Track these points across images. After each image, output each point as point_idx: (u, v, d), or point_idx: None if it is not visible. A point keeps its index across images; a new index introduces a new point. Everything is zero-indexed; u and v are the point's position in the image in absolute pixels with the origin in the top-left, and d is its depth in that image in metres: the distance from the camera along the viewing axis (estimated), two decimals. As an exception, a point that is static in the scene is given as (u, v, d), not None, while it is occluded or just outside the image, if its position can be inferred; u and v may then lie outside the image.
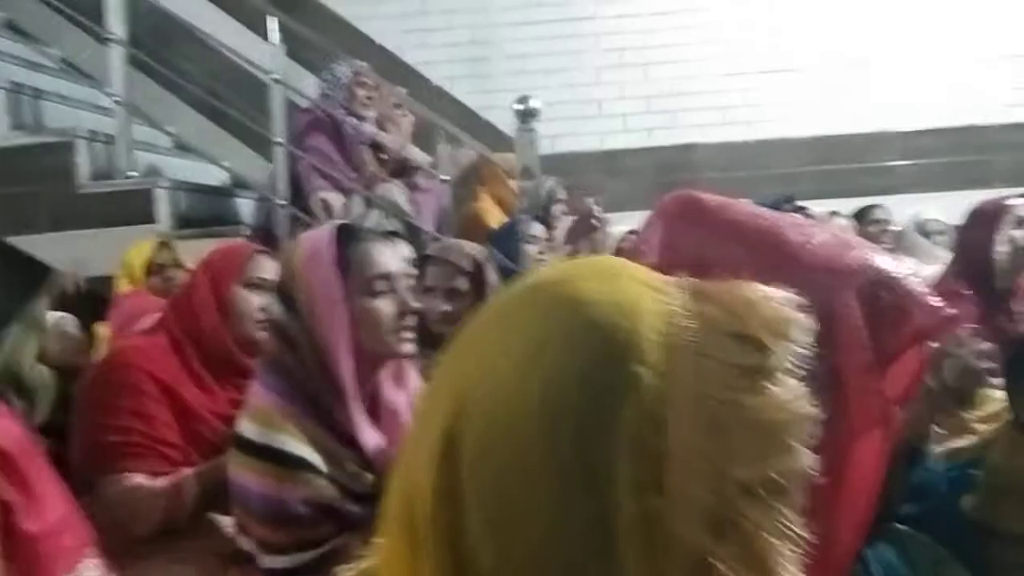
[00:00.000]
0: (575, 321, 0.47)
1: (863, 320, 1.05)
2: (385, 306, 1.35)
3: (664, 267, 0.53)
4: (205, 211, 3.19)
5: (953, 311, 1.16)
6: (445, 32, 4.16)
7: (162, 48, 3.49)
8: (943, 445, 1.96)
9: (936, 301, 1.11)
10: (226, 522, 1.48)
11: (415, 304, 1.40)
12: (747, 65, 3.74)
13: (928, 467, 1.71)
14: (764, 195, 2.46)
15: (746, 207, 1.23)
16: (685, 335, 0.47)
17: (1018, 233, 2.35)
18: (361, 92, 3.32)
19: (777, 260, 1.08)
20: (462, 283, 1.92)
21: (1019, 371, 1.60)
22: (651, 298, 0.49)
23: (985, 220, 2.39)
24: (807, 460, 0.47)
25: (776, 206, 2.18)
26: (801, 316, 0.48)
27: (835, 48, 3.71)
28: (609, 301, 0.48)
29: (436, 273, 1.93)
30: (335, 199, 3.10)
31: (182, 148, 3.52)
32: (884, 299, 1.07)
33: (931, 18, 3.69)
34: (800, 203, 2.60)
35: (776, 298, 0.49)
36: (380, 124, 3.36)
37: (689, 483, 0.45)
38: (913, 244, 3.21)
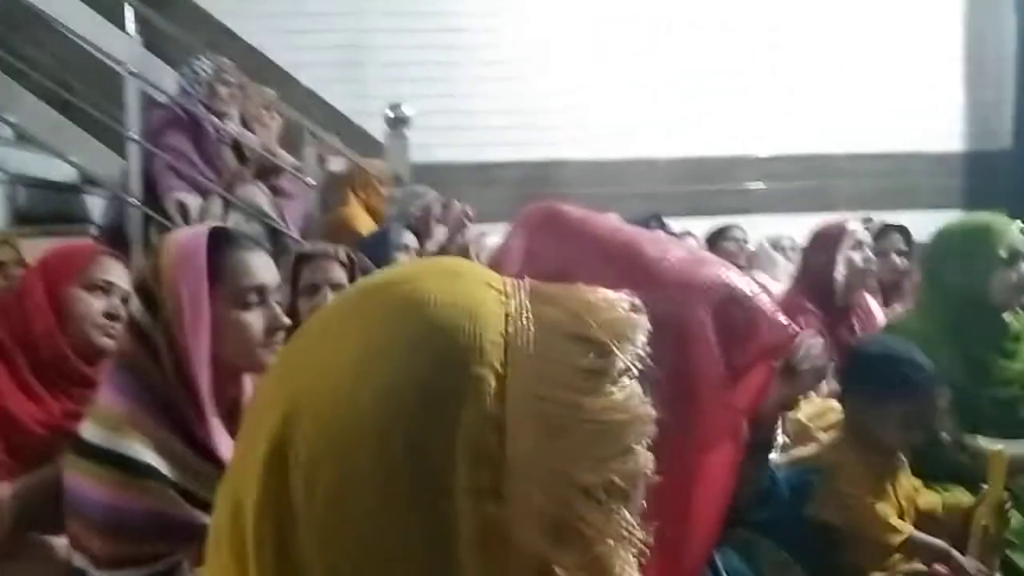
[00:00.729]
0: (415, 323, 0.46)
1: (716, 335, 1.08)
2: (255, 320, 1.29)
3: (524, 277, 0.52)
4: (48, 208, 2.97)
5: (798, 328, 1.22)
6: (318, 35, 4.06)
7: (8, 32, 3.23)
8: (788, 453, 2.07)
9: (783, 318, 1.16)
10: (58, 544, 1.37)
11: (285, 320, 1.34)
12: (617, 85, 3.84)
13: (773, 475, 1.79)
14: (632, 212, 2.53)
15: (607, 221, 1.25)
16: (525, 337, 0.46)
17: (856, 255, 2.52)
18: (223, 90, 3.19)
19: (634, 274, 1.10)
20: (341, 275, 1.88)
21: (852, 380, 1.69)
22: (493, 299, 0.47)
23: (826, 242, 2.55)
24: (647, 462, 0.47)
25: (644, 223, 2.25)
26: (640, 318, 0.48)
27: (701, 73, 3.87)
28: (451, 302, 0.46)
29: (314, 269, 1.87)
30: (191, 200, 2.95)
31: (24, 140, 3.27)
32: (735, 315, 1.10)
33: (790, 52, 3.92)
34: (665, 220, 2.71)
35: (615, 301, 0.48)
36: (245, 124, 3.24)
37: (529, 488, 0.44)
38: (767, 261, 3.40)
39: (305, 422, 0.44)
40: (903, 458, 1.77)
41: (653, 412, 0.47)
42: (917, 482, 1.83)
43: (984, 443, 1.95)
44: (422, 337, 0.45)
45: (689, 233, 3.26)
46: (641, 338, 0.47)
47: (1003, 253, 2.02)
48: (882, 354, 1.70)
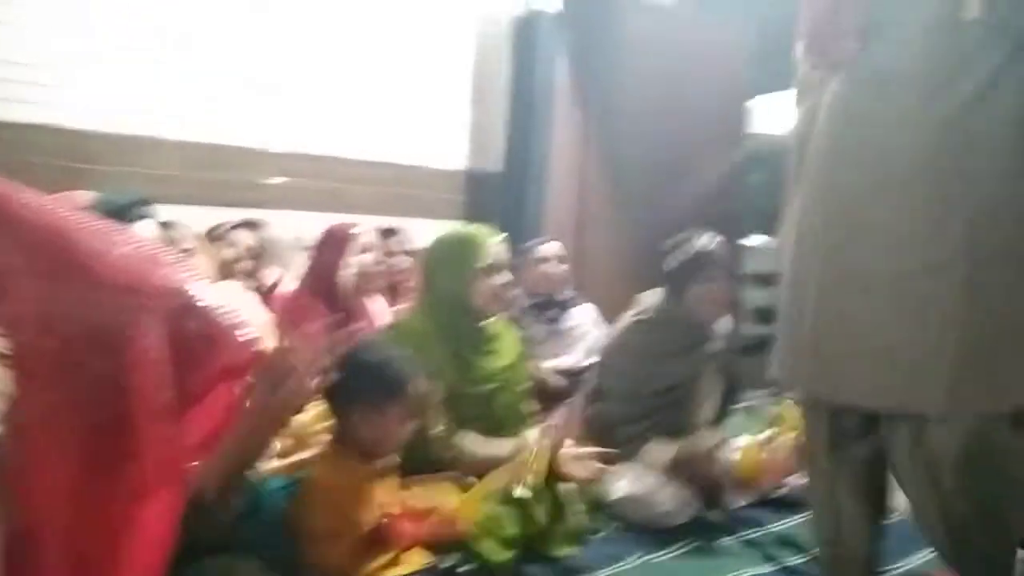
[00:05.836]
0: None
1: (166, 351, 0.92)
2: None
3: None
4: None
5: (259, 348, 1.11)
6: None
7: None
8: (282, 460, 1.99)
9: (248, 335, 1.04)
10: None
11: None
12: (115, 54, 3.39)
13: (260, 485, 1.69)
14: (117, 192, 2.21)
15: (40, 201, 1.00)
16: None
17: (362, 257, 2.57)
18: None
19: (65, 268, 0.89)
20: None
21: (336, 384, 1.66)
22: None
23: (334, 243, 2.56)
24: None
25: (122, 209, 1.97)
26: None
27: (222, 59, 3.64)
28: None
29: None
30: None
31: None
32: (192, 329, 0.96)
33: (314, 54, 3.88)
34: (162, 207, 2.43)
35: None
36: None
37: None
38: (282, 258, 3.32)
39: None
40: (391, 459, 1.80)
41: None
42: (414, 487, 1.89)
43: (470, 442, 2.11)
44: None
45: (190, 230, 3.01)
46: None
47: (484, 263, 2.21)
48: (365, 359, 1.70)
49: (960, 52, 1.27)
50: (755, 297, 5.11)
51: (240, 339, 1.01)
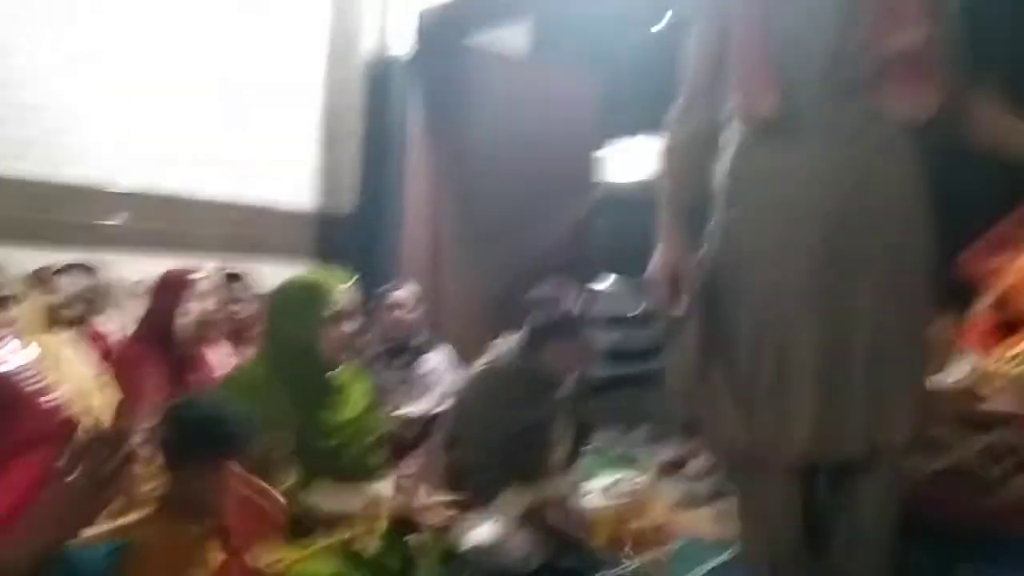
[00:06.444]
0: None
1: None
2: None
3: None
4: None
5: (70, 415, 1.03)
6: None
7: None
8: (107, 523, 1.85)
9: (54, 401, 0.96)
10: None
11: None
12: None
13: (78, 554, 1.55)
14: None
15: None
16: None
17: (201, 303, 2.45)
18: None
19: None
20: None
21: (167, 442, 1.56)
22: None
23: (171, 288, 2.44)
24: None
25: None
26: None
27: (66, 91, 3.41)
28: None
29: None
30: None
31: None
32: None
33: (158, 87, 3.71)
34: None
35: None
36: None
37: None
38: (119, 304, 3.12)
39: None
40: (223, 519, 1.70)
41: None
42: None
43: (318, 497, 2.03)
44: None
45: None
46: None
47: (331, 310, 2.15)
48: (197, 413, 1.61)
49: (863, 113, 1.38)
50: (603, 339, 5.25)
51: (46, 406, 0.92)
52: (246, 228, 3.99)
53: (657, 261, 1.64)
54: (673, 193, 1.66)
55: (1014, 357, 1.90)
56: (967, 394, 1.92)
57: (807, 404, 1.40)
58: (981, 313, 2.12)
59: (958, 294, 2.14)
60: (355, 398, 2.26)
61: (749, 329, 1.50)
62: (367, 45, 4.21)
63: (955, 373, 2.02)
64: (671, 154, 1.67)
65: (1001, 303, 2.11)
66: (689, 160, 1.63)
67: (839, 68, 1.38)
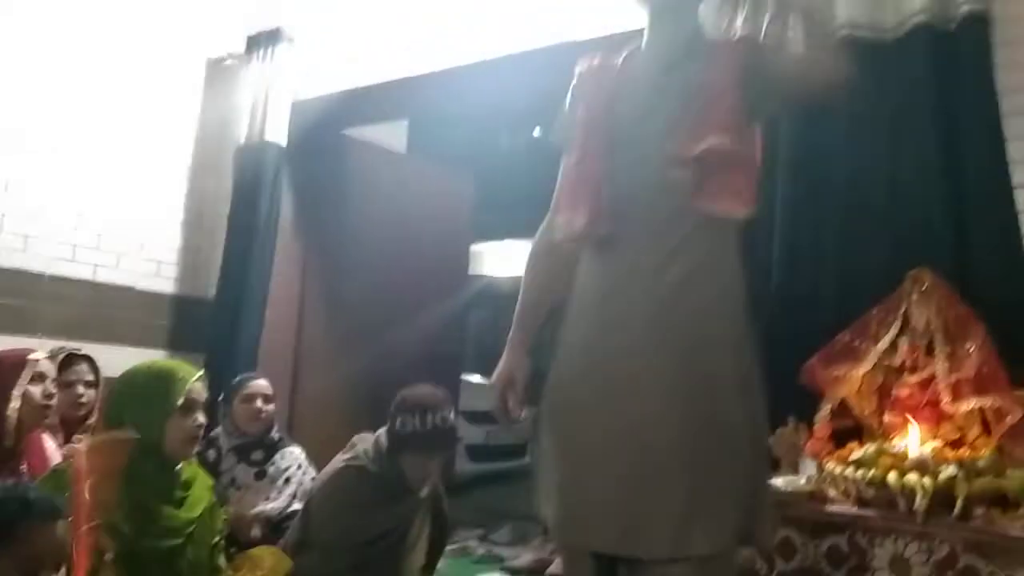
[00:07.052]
0: None
1: None
2: None
3: None
4: None
5: None
6: None
7: None
8: None
9: None
10: None
11: None
12: None
13: None
14: None
15: None
16: None
17: (35, 388, 2.26)
18: None
19: None
20: None
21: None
22: None
23: (3, 373, 2.24)
24: None
25: None
26: None
27: None
28: None
29: None
30: None
31: None
32: None
33: (17, 155, 3.49)
34: None
35: None
36: None
37: None
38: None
39: None
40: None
41: None
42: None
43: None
44: None
45: None
46: None
47: (179, 401, 2.03)
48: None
49: (680, 236, 1.44)
50: (469, 434, 5.21)
51: None
52: (95, 308, 3.76)
53: (498, 368, 1.66)
54: (524, 303, 1.69)
55: (853, 462, 2.00)
56: (813, 497, 1.99)
57: (600, 497, 1.42)
58: (823, 420, 2.23)
59: (806, 400, 2.25)
60: (197, 496, 2.11)
61: (557, 419, 1.53)
62: (240, 129, 4.14)
63: (803, 477, 2.10)
64: (533, 259, 1.70)
65: (840, 411, 2.24)
66: (548, 266, 1.67)
67: (668, 182, 1.46)
